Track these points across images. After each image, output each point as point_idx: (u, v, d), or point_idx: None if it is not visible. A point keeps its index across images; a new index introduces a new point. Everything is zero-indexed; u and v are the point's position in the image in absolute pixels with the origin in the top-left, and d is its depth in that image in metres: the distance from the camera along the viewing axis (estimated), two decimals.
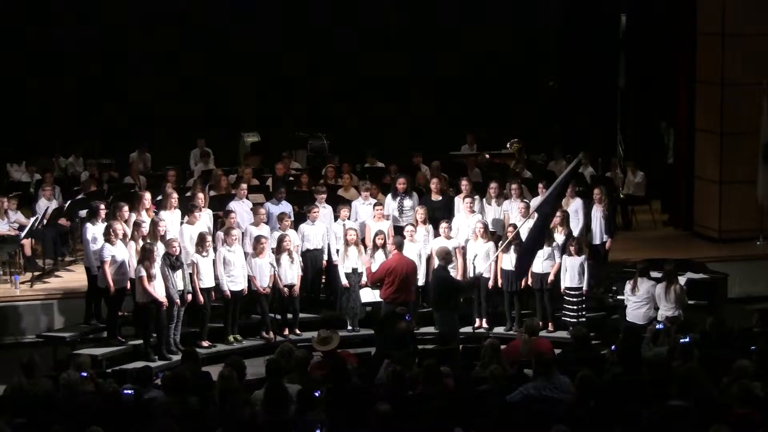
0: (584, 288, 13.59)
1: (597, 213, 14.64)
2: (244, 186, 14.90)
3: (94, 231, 13.30)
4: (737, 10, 16.59)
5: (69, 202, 15.76)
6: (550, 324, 13.67)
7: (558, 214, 13.97)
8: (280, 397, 8.74)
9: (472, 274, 13.73)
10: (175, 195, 14.21)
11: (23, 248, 14.97)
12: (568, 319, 13.53)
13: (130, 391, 9.33)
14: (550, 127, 21.47)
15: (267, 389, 8.87)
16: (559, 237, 13.83)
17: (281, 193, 14.65)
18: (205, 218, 13.92)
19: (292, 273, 13.68)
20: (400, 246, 13.23)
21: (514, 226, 13.82)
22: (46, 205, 15.38)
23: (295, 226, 14.08)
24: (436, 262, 13.36)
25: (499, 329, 13.87)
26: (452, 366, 10.22)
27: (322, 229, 14.19)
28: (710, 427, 7.77)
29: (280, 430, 8.54)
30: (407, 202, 14.76)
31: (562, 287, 13.64)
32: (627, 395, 9.05)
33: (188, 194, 15.04)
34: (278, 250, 13.60)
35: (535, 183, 15.41)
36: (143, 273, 12.55)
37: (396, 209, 14.72)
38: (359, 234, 14.03)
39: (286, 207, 14.47)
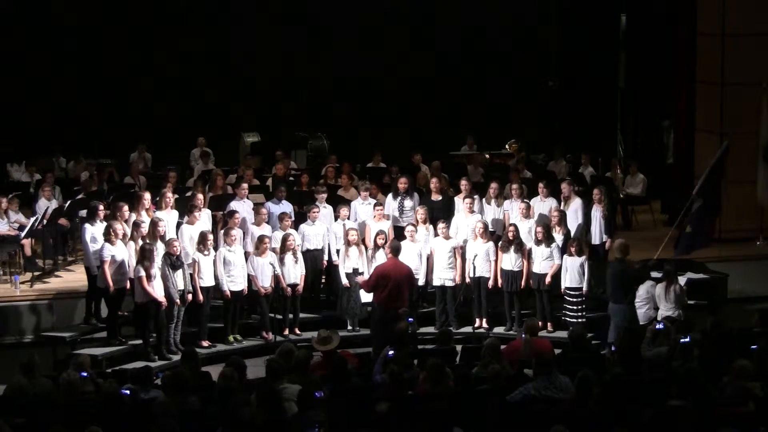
0: (584, 288, 13.58)
1: (596, 213, 14.58)
2: (245, 186, 14.87)
3: (94, 231, 13.28)
4: (737, 10, 16.59)
5: (69, 202, 15.74)
6: (549, 324, 13.68)
7: (555, 214, 14.00)
8: (272, 400, 8.69)
9: (472, 275, 13.74)
10: (170, 195, 14.18)
11: (23, 248, 14.96)
12: (569, 319, 13.53)
13: (128, 391, 9.34)
14: (550, 127, 21.49)
15: (258, 392, 8.81)
16: (558, 237, 13.83)
17: (282, 193, 14.63)
18: (204, 218, 13.92)
19: (295, 272, 13.68)
20: (396, 251, 12.85)
21: (514, 226, 13.84)
22: (46, 205, 15.37)
23: (296, 226, 14.07)
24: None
25: (499, 329, 13.87)
26: (452, 366, 10.24)
27: (322, 229, 14.17)
28: (710, 427, 7.79)
29: (280, 430, 8.54)
30: (408, 203, 14.73)
31: (563, 287, 13.62)
32: (627, 395, 9.05)
33: (188, 194, 15.03)
34: (282, 250, 13.60)
35: (535, 183, 15.40)
36: (142, 273, 12.55)
37: (396, 209, 14.70)
38: (359, 234, 14.03)
39: (286, 207, 14.45)
